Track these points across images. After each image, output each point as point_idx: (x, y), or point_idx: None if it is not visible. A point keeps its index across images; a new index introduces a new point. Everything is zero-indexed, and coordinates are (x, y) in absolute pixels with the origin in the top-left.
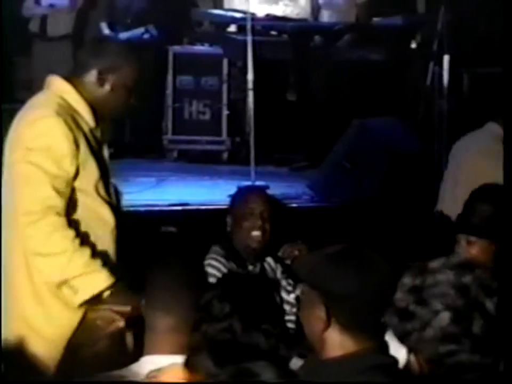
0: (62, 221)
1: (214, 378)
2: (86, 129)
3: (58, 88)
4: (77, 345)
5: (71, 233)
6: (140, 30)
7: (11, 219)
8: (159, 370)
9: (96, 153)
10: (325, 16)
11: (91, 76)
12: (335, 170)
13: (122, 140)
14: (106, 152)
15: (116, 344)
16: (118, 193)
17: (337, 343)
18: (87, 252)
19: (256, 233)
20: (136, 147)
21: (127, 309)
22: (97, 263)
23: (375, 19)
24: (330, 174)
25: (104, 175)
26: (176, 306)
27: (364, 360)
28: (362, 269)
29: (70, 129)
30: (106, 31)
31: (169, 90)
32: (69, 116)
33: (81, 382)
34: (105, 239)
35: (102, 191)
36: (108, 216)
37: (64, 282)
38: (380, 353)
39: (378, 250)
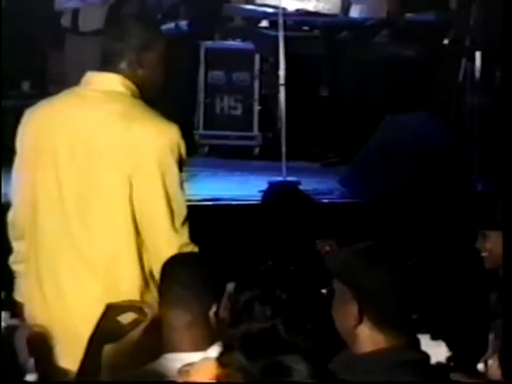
0: None
1: (246, 371)
2: None
3: (126, 88)
4: (100, 342)
5: None
6: (171, 25)
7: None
8: (191, 365)
9: None
10: (355, 11)
11: (129, 60)
12: (366, 166)
13: None
14: None
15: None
16: None
17: (368, 338)
18: None
19: None
20: None
21: (149, 305)
22: None
23: (408, 15)
24: (361, 169)
25: None
26: (193, 303)
27: (394, 355)
28: (394, 265)
29: None
30: None
31: (200, 86)
32: None
33: (83, 383)
34: None
35: None
36: None
37: None
38: (410, 349)
39: (410, 246)
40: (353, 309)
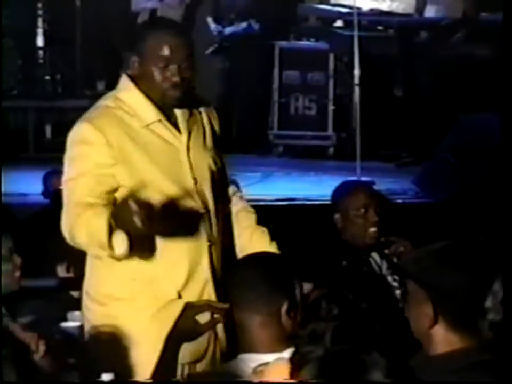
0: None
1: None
2: (137, 126)
3: (119, 86)
4: (177, 341)
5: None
6: (243, 25)
7: None
8: (266, 364)
9: (152, 147)
10: (431, 11)
11: (131, 64)
12: (441, 166)
13: (228, 134)
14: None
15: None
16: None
17: (443, 339)
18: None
19: (373, 229)
20: (242, 142)
21: (225, 305)
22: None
23: (483, 14)
24: (436, 169)
25: (172, 164)
26: (260, 304)
27: (468, 356)
28: (469, 265)
29: (111, 132)
30: (212, 26)
31: (275, 85)
32: (113, 117)
33: (85, 383)
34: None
35: (160, 182)
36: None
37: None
38: (485, 350)
39: (484, 246)
40: (428, 309)
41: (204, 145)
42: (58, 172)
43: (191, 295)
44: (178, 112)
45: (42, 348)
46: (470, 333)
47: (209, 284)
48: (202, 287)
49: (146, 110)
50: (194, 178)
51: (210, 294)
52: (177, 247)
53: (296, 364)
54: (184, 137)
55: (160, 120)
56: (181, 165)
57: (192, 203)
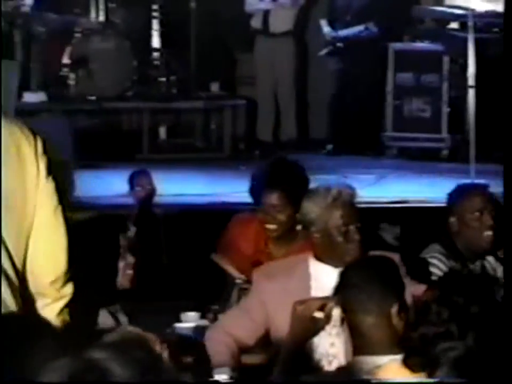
0: None
1: None
2: None
3: None
4: (298, 341)
5: None
6: (359, 27)
7: None
8: (379, 367)
9: None
10: None
11: None
12: None
13: (342, 136)
14: None
15: None
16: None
17: None
18: None
19: (489, 233)
20: (356, 144)
21: (332, 300)
22: None
23: None
24: None
25: None
26: (371, 306)
27: None
28: None
29: None
30: (326, 28)
31: (389, 87)
32: None
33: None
34: None
35: None
36: None
37: None
38: None
39: None
40: None
41: None
42: (144, 172)
43: None
44: None
45: (165, 350)
46: None
47: None
48: None
49: None
50: None
51: None
52: None
53: (410, 366)
54: None
55: None
56: None
57: None
